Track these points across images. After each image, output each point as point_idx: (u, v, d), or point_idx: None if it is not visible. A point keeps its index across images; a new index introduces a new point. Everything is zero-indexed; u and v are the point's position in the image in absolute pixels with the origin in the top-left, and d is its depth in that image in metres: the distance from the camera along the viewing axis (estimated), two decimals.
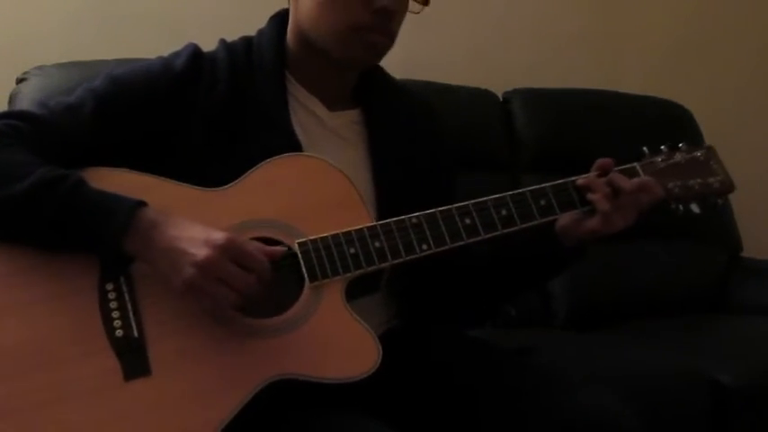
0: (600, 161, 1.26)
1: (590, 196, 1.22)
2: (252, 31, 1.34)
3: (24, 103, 1.84)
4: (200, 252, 1.03)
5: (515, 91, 2.49)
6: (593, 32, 2.78)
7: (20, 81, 1.94)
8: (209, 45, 1.35)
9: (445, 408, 1.20)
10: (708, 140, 2.60)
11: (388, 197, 1.26)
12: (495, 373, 1.21)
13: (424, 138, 1.36)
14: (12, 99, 1.92)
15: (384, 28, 1.22)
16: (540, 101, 2.49)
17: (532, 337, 1.95)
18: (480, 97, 2.43)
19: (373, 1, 1.18)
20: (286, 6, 1.32)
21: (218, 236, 1.05)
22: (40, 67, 1.95)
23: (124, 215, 1.06)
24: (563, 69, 2.69)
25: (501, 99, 2.48)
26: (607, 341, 2.06)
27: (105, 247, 1.07)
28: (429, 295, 1.34)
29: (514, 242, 1.30)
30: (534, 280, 1.37)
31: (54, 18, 2.19)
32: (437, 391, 1.22)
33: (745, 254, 2.60)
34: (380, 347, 1.09)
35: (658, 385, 1.74)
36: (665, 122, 2.59)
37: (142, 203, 1.08)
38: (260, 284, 1.06)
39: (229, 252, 1.04)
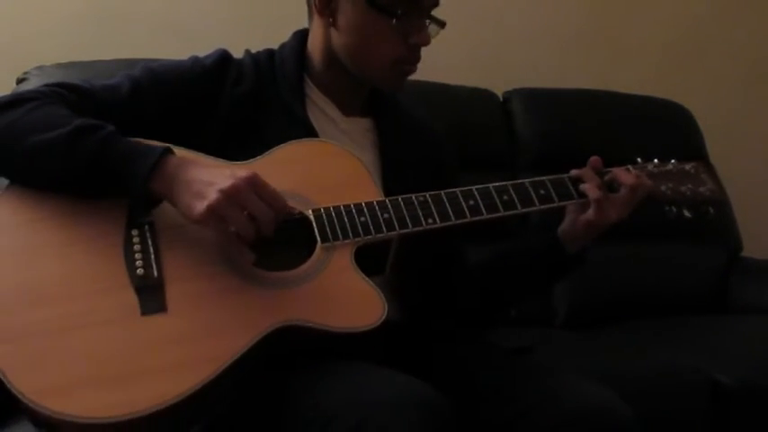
0: (591, 162, 1.33)
1: (582, 186, 1.29)
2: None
3: None
4: (227, 181, 1.09)
5: (515, 91, 2.49)
6: (593, 32, 2.78)
7: (20, 81, 1.94)
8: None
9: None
10: (708, 140, 2.62)
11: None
12: (493, 370, 1.24)
13: (427, 147, 1.46)
14: None
15: (417, 58, 1.34)
16: (540, 101, 2.49)
17: (532, 337, 1.95)
18: (480, 97, 2.43)
19: (409, 37, 1.30)
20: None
21: (244, 171, 1.11)
22: (39, 67, 1.95)
23: (154, 156, 1.13)
24: (563, 69, 2.69)
25: (501, 99, 2.49)
26: (607, 341, 2.06)
27: (134, 186, 1.13)
28: (429, 294, 1.39)
29: (517, 248, 1.39)
30: (535, 287, 1.45)
31: (54, 18, 2.20)
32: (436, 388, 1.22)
33: (745, 254, 2.60)
34: (386, 303, 1.13)
35: (658, 385, 1.74)
36: (665, 122, 2.59)
37: (170, 150, 1.16)
38: (276, 223, 1.12)
39: (254, 185, 1.10)
